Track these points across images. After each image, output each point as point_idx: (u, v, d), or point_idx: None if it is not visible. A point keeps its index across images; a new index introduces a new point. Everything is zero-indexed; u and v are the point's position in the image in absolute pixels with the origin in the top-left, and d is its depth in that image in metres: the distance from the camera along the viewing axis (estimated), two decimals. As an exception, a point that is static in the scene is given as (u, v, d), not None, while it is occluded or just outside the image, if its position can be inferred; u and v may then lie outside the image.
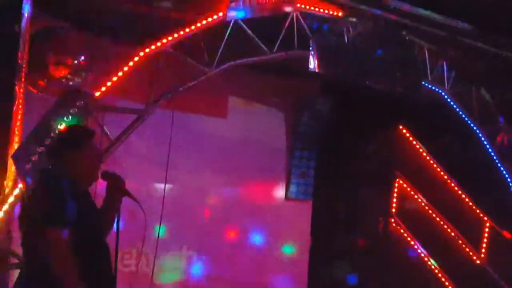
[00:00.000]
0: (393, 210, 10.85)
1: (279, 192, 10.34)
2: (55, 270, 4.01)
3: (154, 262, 6.06)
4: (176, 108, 7.08)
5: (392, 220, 10.80)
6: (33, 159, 6.03)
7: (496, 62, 9.50)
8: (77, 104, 6.29)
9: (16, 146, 6.00)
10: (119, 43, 7.33)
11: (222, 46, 7.39)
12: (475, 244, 10.31)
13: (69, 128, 5.26)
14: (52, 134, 6.13)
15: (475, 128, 9.85)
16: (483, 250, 10.27)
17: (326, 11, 8.05)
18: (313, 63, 7.90)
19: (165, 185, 7.23)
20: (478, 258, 10.24)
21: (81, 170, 4.39)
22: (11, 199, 6.02)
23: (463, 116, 9.73)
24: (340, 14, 8.14)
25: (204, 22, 7.31)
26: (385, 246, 10.73)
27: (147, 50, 6.94)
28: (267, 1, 7.50)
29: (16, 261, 6.24)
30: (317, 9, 7.98)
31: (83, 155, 4.39)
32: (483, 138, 9.89)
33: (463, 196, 10.45)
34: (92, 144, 4.54)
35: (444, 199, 10.52)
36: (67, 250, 4.04)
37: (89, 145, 4.49)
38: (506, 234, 10.10)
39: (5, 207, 5.99)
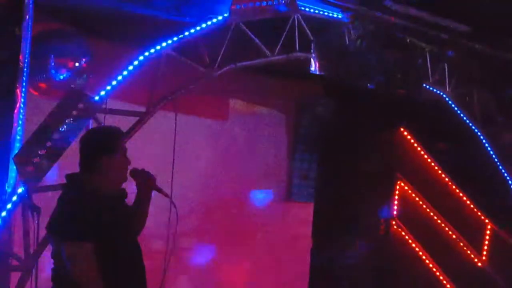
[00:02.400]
0: (395, 212, 10.84)
1: (280, 193, 10.34)
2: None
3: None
4: (177, 110, 7.08)
5: (394, 222, 10.79)
6: (34, 161, 6.03)
7: (497, 64, 9.51)
8: (78, 106, 6.28)
9: (17, 148, 6.00)
10: (121, 45, 7.33)
11: (223, 48, 7.39)
12: (476, 246, 10.30)
13: (101, 130, 5.18)
14: (54, 137, 6.13)
15: (476, 130, 9.85)
16: (485, 253, 10.27)
17: (328, 14, 8.07)
18: (314, 66, 7.92)
19: (171, 186, 7.17)
20: (479, 260, 10.23)
21: (116, 173, 4.34)
22: (13, 200, 6.02)
23: (465, 118, 9.73)
24: (341, 16, 8.17)
25: (205, 24, 7.33)
26: (387, 248, 10.72)
27: (148, 52, 6.95)
28: (268, 3, 7.50)
29: (17, 263, 6.24)
30: (318, 11, 7.99)
31: (118, 158, 4.34)
32: (484, 140, 9.89)
33: (465, 198, 10.44)
34: (123, 145, 4.49)
35: (445, 201, 10.51)
36: (92, 265, 3.97)
37: (122, 146, 4.44)
38: (507, 236, 10.10)
39: (8, 207, 5.99)
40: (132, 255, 4.30)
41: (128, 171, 4.47)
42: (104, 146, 4.36)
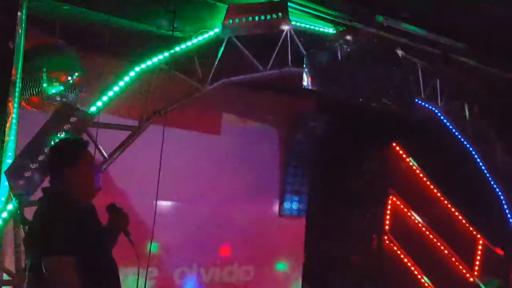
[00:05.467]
0: (387, 227, 10.85)
1: (273, 209, 10.32)
2: None
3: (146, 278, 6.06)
4: (169, 124, 7.07)
5: (386, 237, 10.80)
6: (26, 175, 6.02)
7: (488, 80, 9.56)
8: (70, 120, 6.28)
9: (9, 162, 5.99)
10: (114, 59, 7.33)
11: (216, 63, 7.40)
12: (468, 261, 10.32)
13: (63, 142, 5.19)
14: (46, 151, 6.11)
15: (468, 145, 9.88)
16: (477, 268, 10.28)
17: (320, 29, 8.10)
18: (306, 80, 7.93)
19: (156, 201, 7.15)
20: (471, 275, 10.24)
21: (79, 185, 4.33)
22: (4, 214, 6.00)
23: (457, 133, 9.77)
24: (333, 31, 8.20)
25: (198, 39, 7.35)
26: (379, 263, 10.72)
27: (141, 67, 6.95)
28: (261, 18, 7.51)
29: (8, 277, 6.21)
30: (311, 26, 8.03)
31: (81, 168, 4.34)
32: (476, 156, 9.92)
33: (457, 213, 10.46)
34: (88, 156, 4.50)
35: (437, 216, 10.54)
36: (74, 279, 3.97)
37: (86, 157, 4.45)
38: (498, 251, 10.11)
39: (-1, 222, 5.97)
40: (108, 268, 4.30)
41: (106, 207, 4.51)
42: (65, 158, 4.37)
